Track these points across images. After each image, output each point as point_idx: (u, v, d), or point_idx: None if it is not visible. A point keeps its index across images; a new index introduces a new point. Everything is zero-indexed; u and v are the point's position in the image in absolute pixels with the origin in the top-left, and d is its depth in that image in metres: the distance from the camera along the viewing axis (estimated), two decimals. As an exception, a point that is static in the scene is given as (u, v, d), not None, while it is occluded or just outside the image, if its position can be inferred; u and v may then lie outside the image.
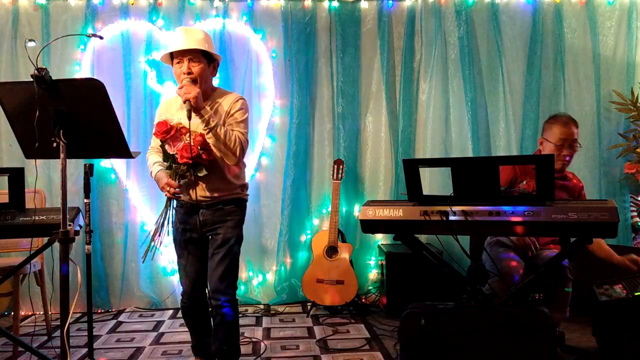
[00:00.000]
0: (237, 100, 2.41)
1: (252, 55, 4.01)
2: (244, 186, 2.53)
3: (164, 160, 2.41)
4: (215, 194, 2.41)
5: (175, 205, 2.50)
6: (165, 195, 2.40)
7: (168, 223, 2.46)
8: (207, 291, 2.49)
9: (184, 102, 2.23)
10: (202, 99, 2.29)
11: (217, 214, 2.43)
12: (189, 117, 2.22)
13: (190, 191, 2.38)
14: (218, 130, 2.27)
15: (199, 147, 2.28)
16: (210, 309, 2.48)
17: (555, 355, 2.04)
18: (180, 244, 2.51)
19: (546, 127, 2.87)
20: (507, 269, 2.56)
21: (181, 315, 3.67)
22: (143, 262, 2.75)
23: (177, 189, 2.35)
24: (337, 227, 3.74)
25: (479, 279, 2.52)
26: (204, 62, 2.35)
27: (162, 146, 2.39)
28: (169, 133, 2.32)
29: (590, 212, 1.86)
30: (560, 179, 2.79)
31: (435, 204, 2.06)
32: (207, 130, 2.27)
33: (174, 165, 2.35)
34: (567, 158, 2.77)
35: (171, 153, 2.35)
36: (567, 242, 2.14)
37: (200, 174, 2.34)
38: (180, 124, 2.35)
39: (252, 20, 4.02)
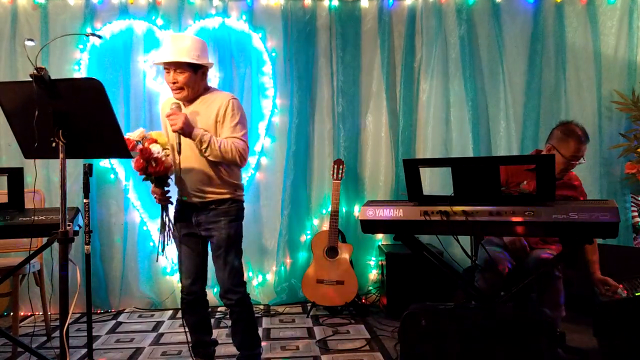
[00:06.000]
0: (228, 102, 2.38)
1: (251, 55, 4.00)
2: (237, 187, 2.52)
3: None
4: (206, 194, 2.43)
5: (173, 204, 2.55)
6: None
7: (169, 225, 2.48)
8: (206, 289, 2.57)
9: (174, 132, 2.31)
10: (192, 100, 2.41)
11: (211, 214, 2.44)
12: (179, 152, 2.34)
13: (182, 192, 2.47)
14: (212, 146, 2.30)
15: (143, 160, 2.31)
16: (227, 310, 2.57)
17: (555, 356, 2.03)
18: (180, 239, 2.53)
19: (559, 137, 2.77)
20: (498, 259, 2.66)
21: (181, 316, 3.71)
22: (157, 260, 2.79)
23: (161, 196, 2.42)
24: (337, 228, 3.73)
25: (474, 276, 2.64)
26: (189, 71, 2.36)
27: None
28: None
29: (591, 212, 1.85)
30: (567, 180, 2.87)
31: (435, 204, 2.05)
32: (203, 150, 2.31)
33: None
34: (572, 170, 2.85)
35: None
36: (567, 242, 2.13)
37: (162, 185, 2.41)
38: (144, 135, 2.38)
39: (252, 19, 4.00)
